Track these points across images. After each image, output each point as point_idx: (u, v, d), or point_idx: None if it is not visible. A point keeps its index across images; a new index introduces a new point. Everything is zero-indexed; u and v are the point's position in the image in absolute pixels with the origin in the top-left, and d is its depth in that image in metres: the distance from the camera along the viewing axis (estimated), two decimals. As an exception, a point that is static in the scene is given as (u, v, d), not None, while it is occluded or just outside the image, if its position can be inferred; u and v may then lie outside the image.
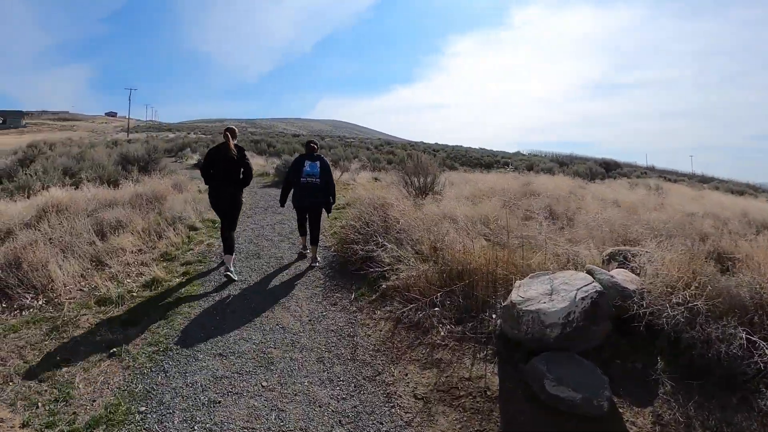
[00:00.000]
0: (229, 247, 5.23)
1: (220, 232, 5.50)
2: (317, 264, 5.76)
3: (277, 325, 4.22)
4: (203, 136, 46.45)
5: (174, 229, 6.77)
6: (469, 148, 60.52)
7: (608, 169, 35.58)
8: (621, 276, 4.12)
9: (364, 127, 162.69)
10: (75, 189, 11.38)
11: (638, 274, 4.28)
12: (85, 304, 4.72)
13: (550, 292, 3.91)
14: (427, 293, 4.55)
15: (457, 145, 62.86)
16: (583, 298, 3.62)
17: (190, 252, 6.20)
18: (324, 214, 6.03)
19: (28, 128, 68.35)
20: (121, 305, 4.65)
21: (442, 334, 4.07)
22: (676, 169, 62.42)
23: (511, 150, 65.18)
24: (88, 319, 4.36)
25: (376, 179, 15.00)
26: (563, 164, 36.46)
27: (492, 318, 4.23)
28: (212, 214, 7.94)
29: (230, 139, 5.16)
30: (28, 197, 10.05)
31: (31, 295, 4.97)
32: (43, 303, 4.88)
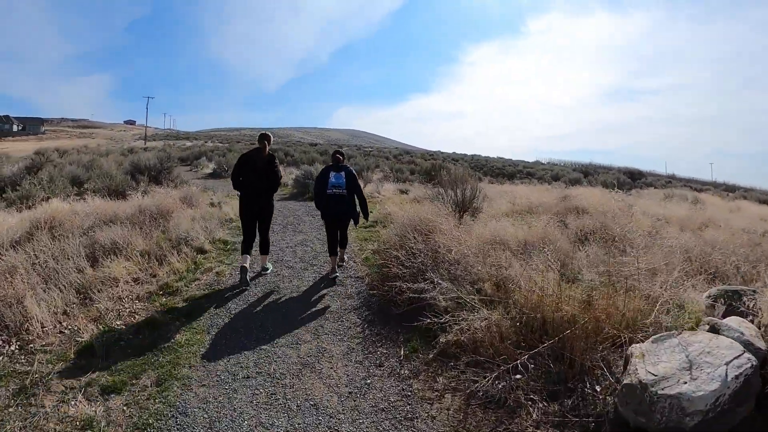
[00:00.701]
0: (265, 248, 5.43)
1: (241, 243, 5.38)
2: (344, 264, 5.76)
3: (307, 400, 3.09)
4: (220, 144, 46.15)
5: (179, 253, 5.75)
6: (488, 157, 59.26)
7: (633, 178, 34.16)
8: (744, 329, 3.03)
9: (382, 136, 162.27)
10: (79, 200, 10.57)
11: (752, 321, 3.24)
12: (63, 354, 3.69)
13: (688, 367, 2.83)
14: (503, 353, 3.43)
15: (475, 154, 61.62)
16: (736, 377, 2.63)
17: (196, 283, 5.15)
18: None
19: (47, 135, 69.15)
20: (106, 359, 3.61)
21: (534, 416, 2.94)
22: (696, 177, 60.49)
23: (530, 159, 63.80)
24: (62, 380, 3.32)
25: (402, 191, 13.93)
26: (587, 174, 35.08)
27: (597, 392, 3.11)
28: (223, 234, 6.94)
29: (266, 145, 5.22)
30: (29, 208, 9.21)
31: (2, 337, 3.98)
32: (15, 348, 3.88)
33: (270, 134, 5.47)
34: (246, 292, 4.95)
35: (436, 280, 4.33)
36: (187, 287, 4.98)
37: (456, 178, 8.97)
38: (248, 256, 5.23)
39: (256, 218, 5.35)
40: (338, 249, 5.60)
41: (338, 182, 5.33)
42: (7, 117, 75.26)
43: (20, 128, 74.70)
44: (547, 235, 6.40)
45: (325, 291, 5.07)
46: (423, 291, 4.25)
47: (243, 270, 5.09)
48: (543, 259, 4.52)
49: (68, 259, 5.26)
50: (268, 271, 5.49)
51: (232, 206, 8.92)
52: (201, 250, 6.02)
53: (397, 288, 4.42)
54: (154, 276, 5.25)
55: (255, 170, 5.18)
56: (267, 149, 5.28)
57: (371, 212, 9.25)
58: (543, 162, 66.85)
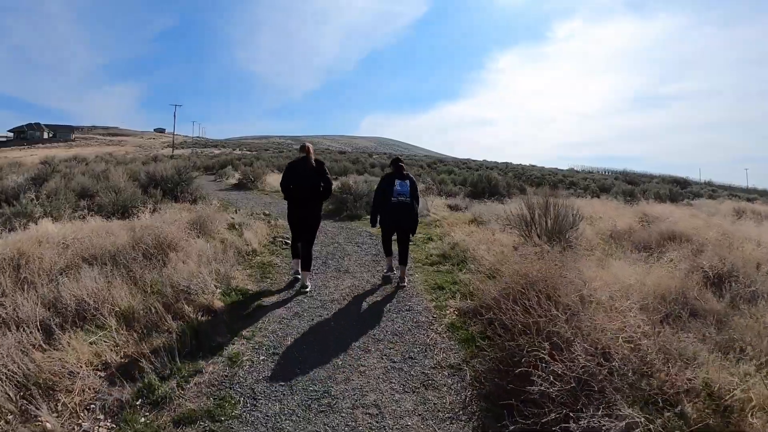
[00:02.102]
0: (306, 263, 5.09)
1: (291, 251, 5.42)
2: (405, 285, 5.19)
3: None
4: (248, 152, 45.34)
5: (174, 316, 3.85)
6: (519, 164, 56.55)
7: (680, 187, 31.23)
8: None
9: (410, 144, 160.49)
10: (80, 218, 8.98)
11: None
12: None
13: None
14: None
15: (506, 162, 58.94)
16: None
17: (197, 380, 3.17)
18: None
19: (76, 142, 69.89)
20: None
21: None
22: (730, 183, 56.91)
23: (562, 166, 60.74)
24: None
25: (452, 208, 11.84)
26: (632, 183, 32.21)
27: None
28: (243, 277, 5.05)
29: (310, 152, 5.08)
30: (14, 230, 7.61)
31: None
32: None
33: (310, 144, 5.28)
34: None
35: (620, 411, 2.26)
36: (183, 392, 3.02)
37: (548, 200, 6.88)
38: (299, 259, 5.18)
39: (302, 228, 5.12)
40: (399, 266, 5.34)
41: (404, 190, 5.22)
42: (37, 124, 77.10)
43: (50, 135, 76.12)
44: (686, 285, 4.41)
45: (409, 400, 3.01)
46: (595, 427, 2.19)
47: (296, 273, 5.19)
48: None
49: (18, 329, 3.47)
50: (308, 290, 4.98)
51: (256, 230, 7.05)
52: (209, 310, 4.08)
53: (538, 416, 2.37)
54: (135, 363, 3.34)
55: (301, 178, 5.00)
56: (312, 156, 5.10)
57: (431, 238, 7.28)
58: (577, 170, 63.64)
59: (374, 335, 3.85)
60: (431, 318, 4.26)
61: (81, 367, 3.28)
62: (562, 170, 54.88)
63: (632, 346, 2.91)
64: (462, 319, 4.19)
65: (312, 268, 5.33)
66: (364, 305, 4.54)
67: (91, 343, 3.56)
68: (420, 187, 16.89)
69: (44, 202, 9.87)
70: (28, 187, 11.51)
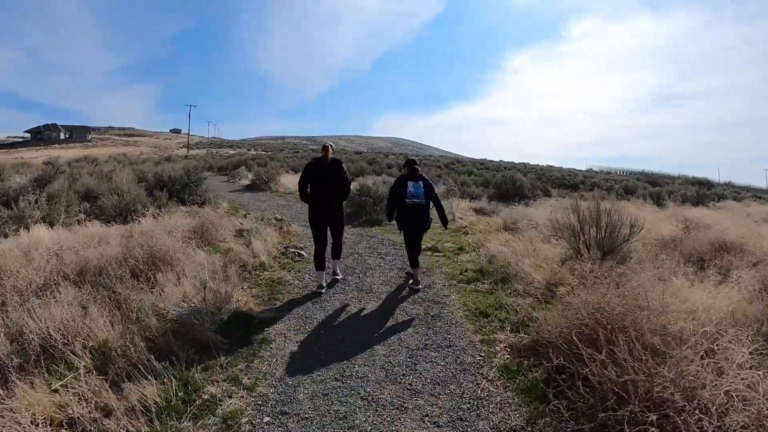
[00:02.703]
0: (336, 252, 5.07)
1: (314, 261, 4.94)
2: (419, 288, 4.93)
3: None
4: (263, 152, 45.03)
5: (159, 355, 3.08)
6: (537, 164, 55.15)
7: (704, 188, 29.72)
8: None
9: (425, 144, 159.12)
10: (80, 222, 8.43)
11: None
12: None
13: None
14: None
15: (524, 162, 57.57)
16: None
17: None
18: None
19: (93, 143, 70.39)
20: None
21: None
22: (749, 184, 55.07)
23: (580, 166, 59.14)
24: None
25: (478, 212, 10.97)
26: (655, 184, 30.78)
27: None
28: (247, 299, 4.27)
29: (329, 152, 4.89)
30: (6, 236, 7.06)
31: None
32: None
33: (330, 144, 5.09)
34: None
35: None
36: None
37: (597, 201, 5.98)
38: (323, 272, 4.91)
39: (325, 228, 5.00)
40: (412, 269, 5.19)
41: (417, 192, 5.14)
42: (54, 125, 78.43)
43: (67, 136, 76.97)
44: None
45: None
46: None
47: (319, 287, 4.79)
48: None
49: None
50: (339, 279, 5.11)
51: (266, 239, 6.29)
52: (201, 346, 3.30)
53: None
54: (108, 416, 2.59)
55: (320, 178, 4.86)
56: (330, 155, 4.93)
57: (462, 249, 6.46)
58: (596, 170, 61.95)
59: (410, 385, 3.01)
60: (478, 358, 3.41)
61: (37, 426, 2.55)
62: (580, 170, 53.40)
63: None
64: (517, 360, 3.34)
65: (333, 285, 4.78)
66: (394, 340, 3.70)
67: (53, 390, 2.83)
68: (441, 188, 16.09)
69: (43, 205, 9.30)
70: (31, 188, 10.99)
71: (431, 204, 5.29)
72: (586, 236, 5.81)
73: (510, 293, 4.61)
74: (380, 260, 6.03)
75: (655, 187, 27.46)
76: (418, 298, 4.64)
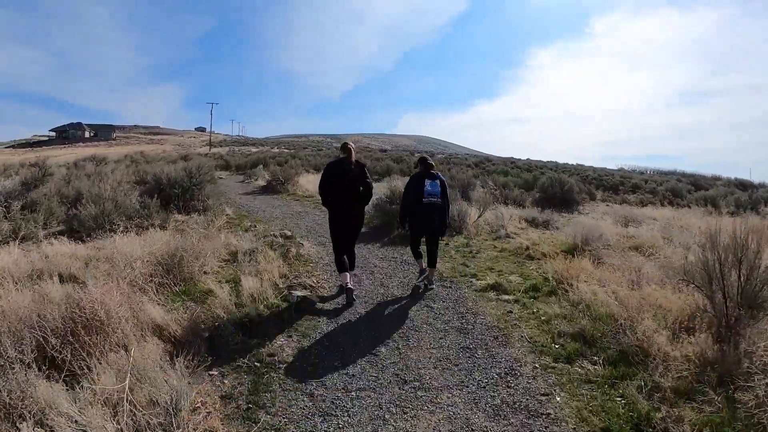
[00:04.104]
0: (351, 262, 4.62)
1: (336, 264, 4.58)
2: (434, 287, 4.76)
3: None
4: (286, 150, 44.11)
5: None
6: (565, 163, 52.06)
7: (745, 190, 26.53)
8: None
9: (449, 142, 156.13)
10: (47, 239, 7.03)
11: None
12: None
13: None
14: None
15: (553, 161, 54.47)
16: None
17: None
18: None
19: (117, 141, 70.66)
20: None
21: None
22: None
23: (610, 165, 55.75)
24: None
25: (531, 223, 8.98)
26: (699, 187, 27.72)
27: None
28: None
29: (352, 153, 4.59)
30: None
31: None
32: None
33: (351, 143, 4.68)
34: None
35: None
36: None
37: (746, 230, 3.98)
38: (347, 273, 4.45)
39: (346, 232, 4.62)
40: (428, 269, 4.83)
41: (434, 190, 4.78)
42: (78, 124, 79.33)
43: (92, 134, 77.79)
44: None
45: None
46: None
47: (348, 291, 4.33)
48: None
49: None
50: (354, 294, 4.46)
51: (263, 271, 4.56)
52: None
53: None
54: None
55: (342, 181, 4.47)
56: (354, 157, 4.56)
57: (537, 288, 4.61)
58: (626, 169, 58.40)
59: None
60: None
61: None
62: (612, 170, 50.23)
63: None
64: None
65: (356, 361, 3.10)
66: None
67: None
68: (479, 192, 14.14)
69: (16, 215, 7.83)
70: (18, 193, 9.61)
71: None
72: (725, 281, 3.83)
73: (645, 389, 2.73)
74: (428, 311, 4.19)
75: (699, 190, 24.54)
76: (505, 399, 2.76)
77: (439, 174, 4.93)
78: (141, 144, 62.55)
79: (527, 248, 6.46)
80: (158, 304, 3.37)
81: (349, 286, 4.35)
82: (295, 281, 4.52)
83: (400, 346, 3.44)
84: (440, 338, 3.60)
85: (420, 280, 4.84)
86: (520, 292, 4.66)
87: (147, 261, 4.25)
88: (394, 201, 7.96)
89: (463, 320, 3.94)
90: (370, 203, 5.10)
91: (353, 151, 4.57)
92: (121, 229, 6.64)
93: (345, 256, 4.48)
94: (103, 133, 77.44)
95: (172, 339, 3.03)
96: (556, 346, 3.43)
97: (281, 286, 4.37)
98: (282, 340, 3.44)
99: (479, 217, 8.37)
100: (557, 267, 5.17)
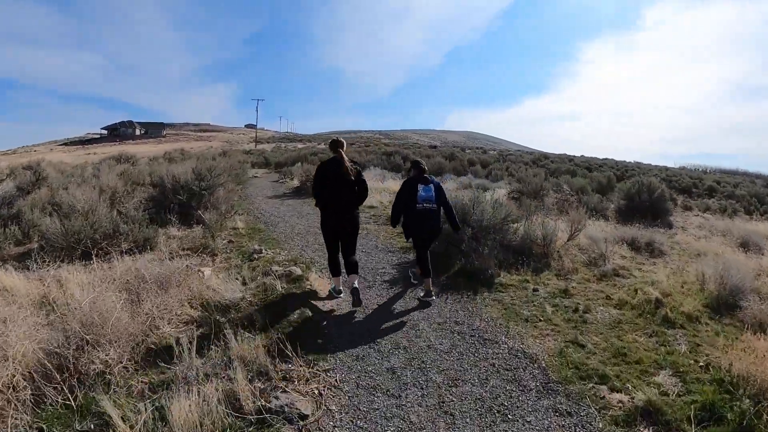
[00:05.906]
0: (354, 267, 4.36)
1: (329, 267, 4.54)
2: (434, 299, 4.54)
3: None
4: (332, 147, 43.08)
5: None
6: (624, 162, 47.17)
7: None
8: None
9: (499, 138, 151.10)
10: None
11: None
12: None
13: None
14: None
15: (607, 158, 49.60)
16: None
17: None
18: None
19: (167, 138, 72.16)
20: None
21: None
22: None
23: (669, 164, 50.27)
24: None
25: (635, 248, 6.49)
26: None
27: None
28: None
29: (342, 152, 4.40)
30: None
31: None
32: None
33: (342, 140, 4.45)
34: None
35: None
36: None
37: None
38: (341, 276, 4.48)
39: (341, 237, 4.44)
40: (424, 279, 4.69)
41: (428, 195, 4.66)
42: (130, 122, 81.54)
43: (142, 132, 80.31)
44: None
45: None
46: None
47: (355, 293, 4.15)
48: None
49: None
50: (359, 288, 4.40)
51: (239, 383, 2.61)
52: None
53: None
54: None
55: (337, 182, 4.31)
56: (346, 157, 4.38)
57: (722, 416, 2.32)
58: (689, 167, 52.82)
59: None
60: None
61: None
62: (675, 169, 45.15)
63: None
64: None
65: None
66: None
67: None
68: (551, 198, 11.68)
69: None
70: (14, 197, 8.31)
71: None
72: None
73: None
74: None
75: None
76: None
77: (433, 178, 4.83)
78: (190, 141, 63.46)
79: (657, 302, 4.14)
80: None
81: (355, 285, 4.16)
82: (281, 394, 2.48)
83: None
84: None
85: (421, 292, 4.63)
86: (692, 425, 2.40)
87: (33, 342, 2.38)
88: (462, 219, 5.67)
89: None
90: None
91: (342, 150, 4.36)
92: (78, 254, 4.95)
93: (339, 256, 4.38)
94: (153, 130, 79.48)
95: None
96: None
97: (250, 406, 2.34)
98: None
99: (569, 239, 6.05)
100: (733, 359, 2.86)
